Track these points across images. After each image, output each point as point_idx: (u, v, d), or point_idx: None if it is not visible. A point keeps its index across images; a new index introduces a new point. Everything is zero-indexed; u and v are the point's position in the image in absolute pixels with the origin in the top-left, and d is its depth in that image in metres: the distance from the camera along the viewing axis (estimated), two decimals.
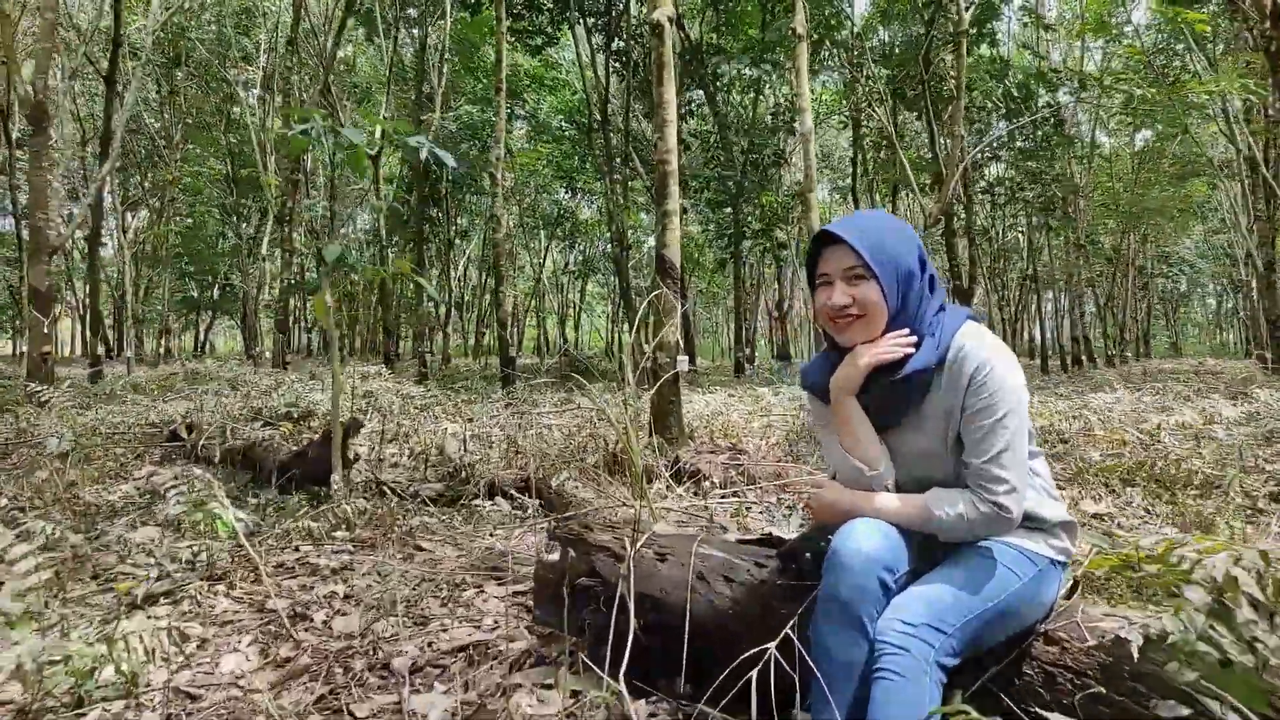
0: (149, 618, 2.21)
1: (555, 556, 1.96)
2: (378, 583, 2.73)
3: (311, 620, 2.29)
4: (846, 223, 1.55)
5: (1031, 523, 1.50)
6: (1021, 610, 1.44)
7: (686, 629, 1.59)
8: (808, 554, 1.62)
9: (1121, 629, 1.33)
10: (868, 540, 1.39)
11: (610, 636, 1.64)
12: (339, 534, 3.30)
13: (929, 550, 1.50)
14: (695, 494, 4.30)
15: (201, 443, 5.26)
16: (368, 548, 3.23)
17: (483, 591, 2.69)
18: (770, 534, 2.02)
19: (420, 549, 3.40)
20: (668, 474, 4.36)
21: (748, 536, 2.03)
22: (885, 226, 1.53)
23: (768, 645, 1.42)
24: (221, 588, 2.48)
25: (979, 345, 1.47)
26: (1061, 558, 1.51)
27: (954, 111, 10.68)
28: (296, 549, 3.02)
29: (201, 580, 2.46)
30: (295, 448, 5.08)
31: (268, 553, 2.92)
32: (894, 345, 1.52)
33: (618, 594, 1.66)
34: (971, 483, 1.46)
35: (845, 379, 1.56)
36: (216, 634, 2.18)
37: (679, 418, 5.90)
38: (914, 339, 1.52)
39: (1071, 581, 1.62)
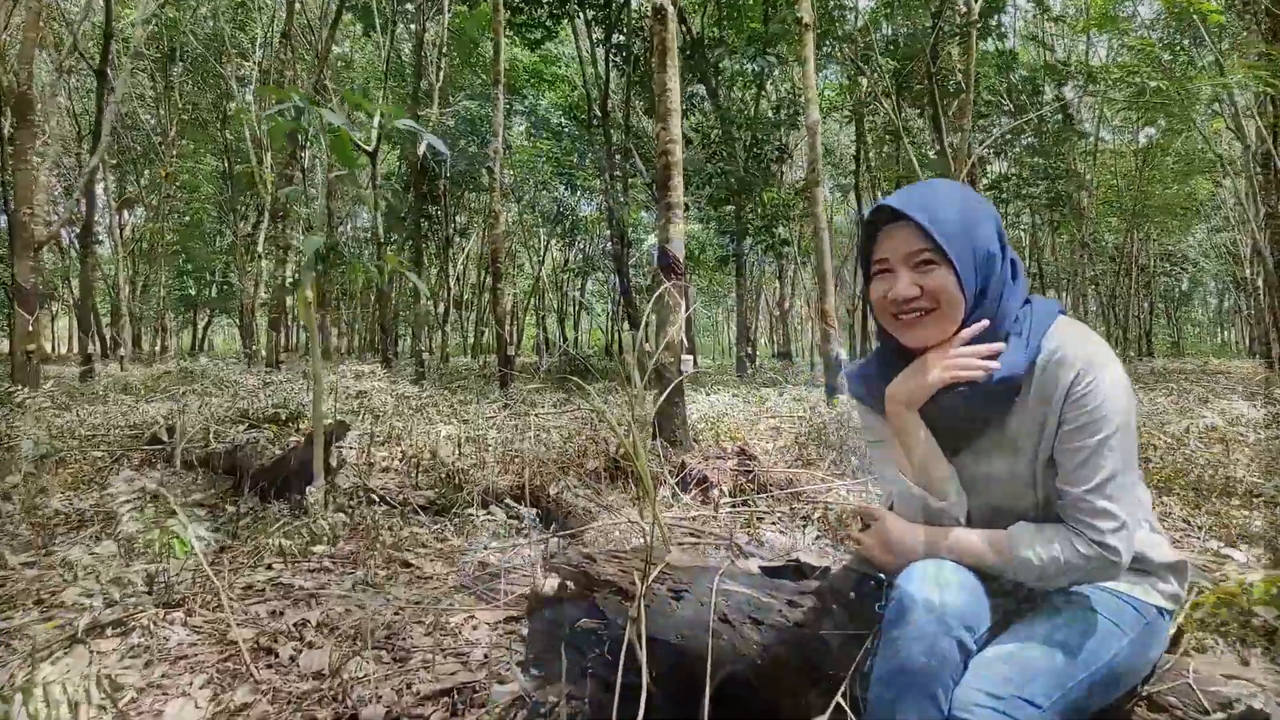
0: (91, 652, 1.95)
1: (551, 585, 1.70)
2: (357, 606, 2.48)
3: (277, 655, 2.03)
4: (910, 195, 1.26)
5: (1136, 564, 1.23)
6: (1126, 672, 1.17)
7: (709, 685, 1.33)
8: (851, 593, 1.36)
9: (1253, 697, 1.08)
10: (942, 589, 1.11)
11: (616, 689, 1.38)
12: (318, 548, 3.04)
13: (1010, 599, 1.23)
14: (703, 502, 4.05)
15: (182, 446, 5.00)
16: (349, 564, 2.97)
17: (472, 617, 2.43)
18: (798, 560, 1.77)
19: (407, 565, 3.15)
20: (673, 481, 4.10)
21: (771, 563, 1.77)
22: (958, 199, 1.25)
23: None
24: (180, 615, 2.22)
25: (1078, 346, 1.19)
26: (1170, 605, 1.23)
27: (962, 105, 10.42)
28: (269, 567, 2.76)
29: (157, 607, 2.20)
30: (280, 451, 4.83)
31: (236, 572, 2.66)
32: (971, 358, 1.23)
33: (625, 638, 1.40)
34: (1068, 517, 1.18)
35: (909, 392, 1.27)
36: (166, 672, 1.92)
37: (683, 419, 5.64)
38: (998, 347, 1.23)
39: (1175, 631, 1.35)
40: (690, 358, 5.71)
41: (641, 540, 2.30)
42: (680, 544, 2.38)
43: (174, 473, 4.76)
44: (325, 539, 2.93)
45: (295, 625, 2.25)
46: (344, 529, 3.39)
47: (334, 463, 3.62)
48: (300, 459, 3.97)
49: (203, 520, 3.43)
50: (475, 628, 2.34)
